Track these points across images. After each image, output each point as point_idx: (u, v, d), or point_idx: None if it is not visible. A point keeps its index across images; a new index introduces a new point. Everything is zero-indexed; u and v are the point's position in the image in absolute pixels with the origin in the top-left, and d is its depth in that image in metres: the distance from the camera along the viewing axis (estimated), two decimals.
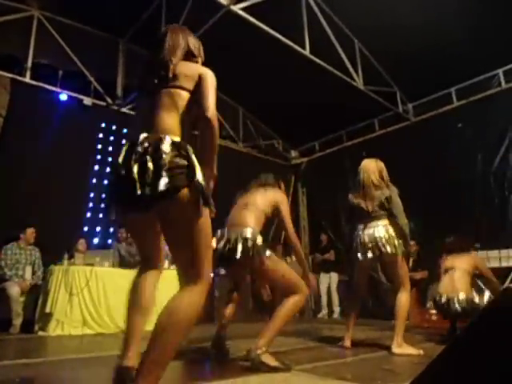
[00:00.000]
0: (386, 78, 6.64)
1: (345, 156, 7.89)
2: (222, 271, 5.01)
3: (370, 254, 3.12)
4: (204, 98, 1.62)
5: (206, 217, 1.48)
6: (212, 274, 2.17)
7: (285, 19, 5.06)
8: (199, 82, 1.65)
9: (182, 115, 1.60)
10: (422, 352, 2.87)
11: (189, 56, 1.78)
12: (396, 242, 3.10)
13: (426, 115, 6.78)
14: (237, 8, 4.58)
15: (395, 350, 2.93)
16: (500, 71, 5.97)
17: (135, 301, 1.72)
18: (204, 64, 1.86)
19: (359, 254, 3.20)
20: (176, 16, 5.41)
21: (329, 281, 7.01)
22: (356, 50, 6.15)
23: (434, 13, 5.23)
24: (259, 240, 2.51)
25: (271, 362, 2.29)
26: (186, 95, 1.64)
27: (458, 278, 3.59)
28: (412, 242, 6.10)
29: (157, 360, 1.32)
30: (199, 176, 1.43)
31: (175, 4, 5.39)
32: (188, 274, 1.47)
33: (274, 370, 2.25)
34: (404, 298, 3.09)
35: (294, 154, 9.09)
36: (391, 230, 3.14)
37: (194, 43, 1.83)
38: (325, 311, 7.00)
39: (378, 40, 5.90)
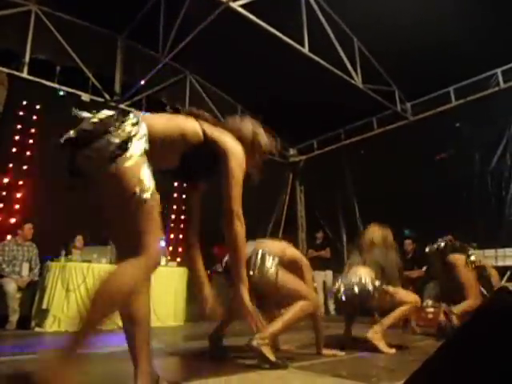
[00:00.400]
0: (385, 77, 6.64)
1: (343, 154, 7.91)
2: (219, 268, 5.02)
3: (343, 298, 3.07)
4: (225, 189, 1.54)
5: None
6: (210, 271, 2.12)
7: (284, 17, 5.06)
8: (222, 154, 1.57)
9: (169, 132, 1.50)
10: (393, 351, 2.77)
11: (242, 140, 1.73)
12: (368, 289, 2.94)
13: (424, 114, 6.80)
14: (236, 5, 4.56)
15: (369, 334, 2.83)
16: (498, 71, 5.99)
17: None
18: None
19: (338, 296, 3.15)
20: (175, 13, 5.41)
21: (324, 278, 7.00)
22: (355, 48, 6.15)
23: (433, 12, 5.24)
24: (269, 260, 2.48)
25: (270, 355, 2.29)
26: (192, 125, 1.56)
27: None
28: (409, 241, 6.13)
29: (83, 327, 1.21)
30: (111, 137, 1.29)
31: (174, 0, 5.37)
32: (128, 248, 1.31)
33: (271, 364, 2.24)
34: (405, 306, 2.95)
35: (292, 151, 9.09)
36: (368, 280, 2.97)
37: (253, 132, 1.83)
38: (321, 309, 7.01)
39: (377, 39, 5.90)
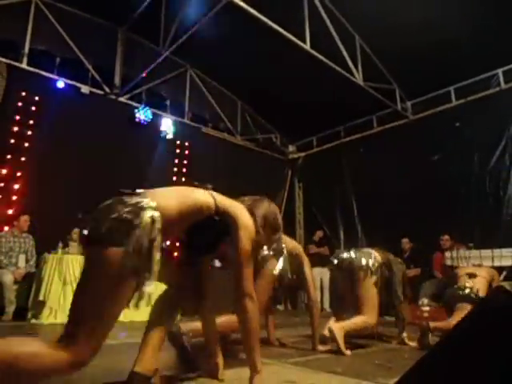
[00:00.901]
0: (386, 75, 6.63)
1: (342, 152, 7.91)
2: (217, 264, 5.01)
3: (342, 256, 3.19)
4: (235, 265, 1.50)
5: (115, 273, 1.15)
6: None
7: (286, 13, 5.03)
8: (231, 223, 1.54)
9: (185, 206, 1.44)
10: (348, 353, 2.64)
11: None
12: (369, 264, 3.02)
13: (424, 113, 6.79)
14: None
15: (334, 326, 2.73)
16: (500, 71, 5.97)
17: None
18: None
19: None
20: (176, 6, 5.37)
21: (321, 275, 7.01)
22: (357, 45, 6.13)
23: (435, 12, 5.22)
24: None
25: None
26: (205, 198, 1.52)
27: (478, 281, 3.47)
28: (406, 240, 6.14)
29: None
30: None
31: None
32: (66, 330, 1.15)
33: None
34: (365, 320, 2.87)
35: (291, 148, 9.08)
36: (373, 256, 3.07)
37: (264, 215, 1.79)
38: (318, 305, 7.01)
39: (378, 37, 5.88)
